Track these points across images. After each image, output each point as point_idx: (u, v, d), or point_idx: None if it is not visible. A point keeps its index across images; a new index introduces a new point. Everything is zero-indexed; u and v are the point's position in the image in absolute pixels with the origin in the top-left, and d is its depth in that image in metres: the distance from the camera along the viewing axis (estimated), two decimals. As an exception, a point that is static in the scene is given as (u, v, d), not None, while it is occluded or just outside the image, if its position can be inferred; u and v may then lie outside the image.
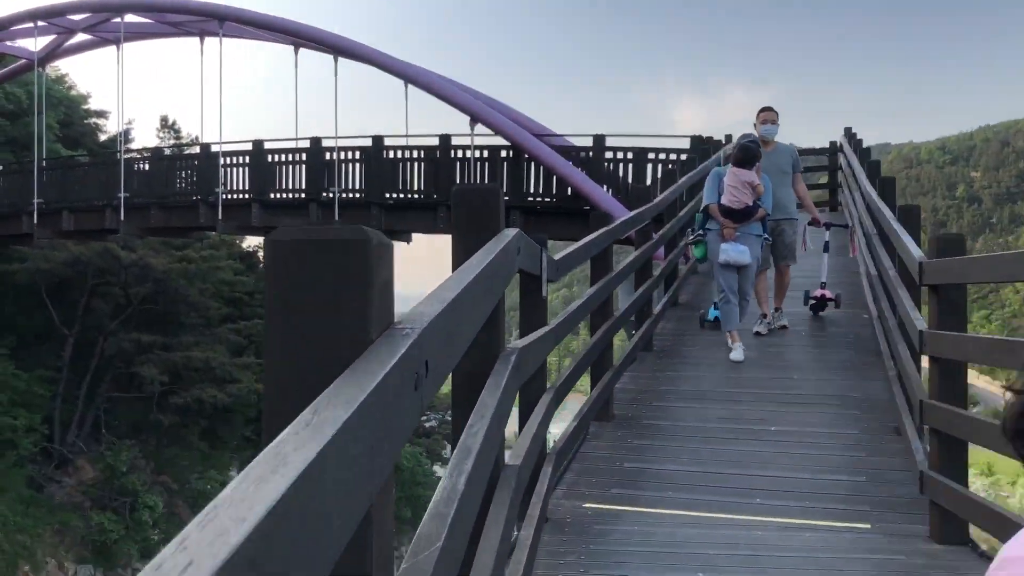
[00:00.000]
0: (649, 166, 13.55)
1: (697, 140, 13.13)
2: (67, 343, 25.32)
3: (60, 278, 24.72)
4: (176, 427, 26.65)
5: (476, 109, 13.46)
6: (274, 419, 1.09)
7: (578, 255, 4.40)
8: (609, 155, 13.51)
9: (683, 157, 13.11)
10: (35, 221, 17.56)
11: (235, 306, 32.49)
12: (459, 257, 2.30)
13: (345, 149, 14.52)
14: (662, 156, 13.39)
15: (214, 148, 16.10)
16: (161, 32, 18.06)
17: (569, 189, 13.19)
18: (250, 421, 33.52)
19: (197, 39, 17.35)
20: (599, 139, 13.55)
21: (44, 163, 20.28)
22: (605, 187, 13.38)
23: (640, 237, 7.14)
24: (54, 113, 28.62)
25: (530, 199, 13.59)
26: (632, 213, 6.58)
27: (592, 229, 5.57)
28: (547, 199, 13.54)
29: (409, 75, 14.00)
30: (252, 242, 33.72)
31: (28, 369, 24.51)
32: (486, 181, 13.51)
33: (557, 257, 3.83)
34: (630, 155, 13.65)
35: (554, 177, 13.28)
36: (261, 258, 36.65)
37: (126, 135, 30.86)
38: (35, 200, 17.51)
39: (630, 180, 13.64)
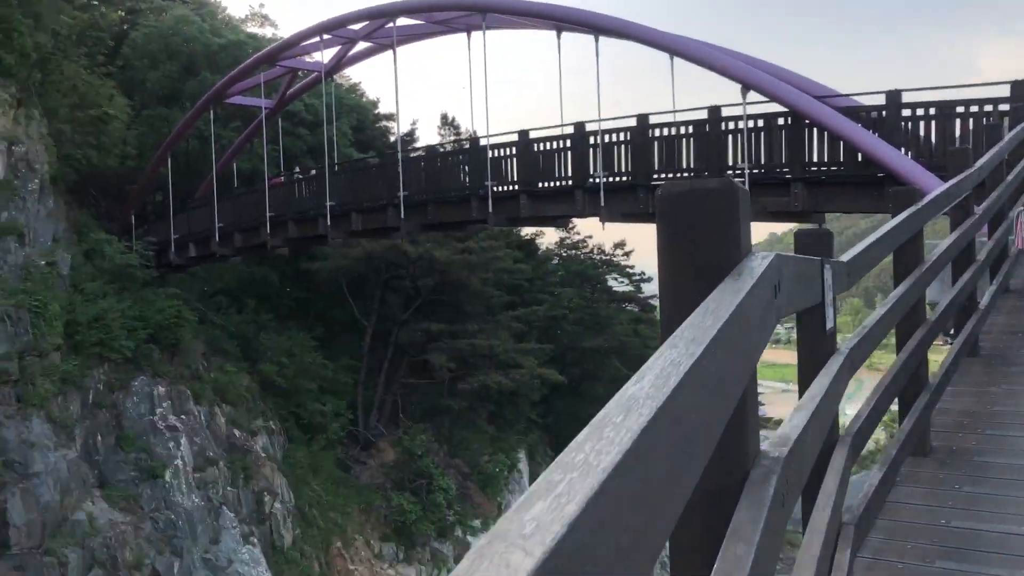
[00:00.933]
0: (957, 122, 11.48)
1: (1021, 86, 10.91)
2: (366, 334, 27.16)
3: (357, 274, 26.53)
4: (465, 411, 27.68)
5: (747, 75, 12.17)
6: (671, 326, 1.34)
7: (876, 250, 3.36)
8: (906, 112, 11.59)
9: (1003, 108, 10.98)
10: (328, 223, 18.73)
11: (515, 293, 33.21)
12: (668, 300, 1.63)
13: (609, 132, 13.87)
14: (973, 109, 11.29)
15: (482, 142, 16.16)
16: (430, 32, 18.51)
17: (859, 155, 11.54)
18: (534, 404, 34.25)
19: (464, 35, 17.55)
20: (893, 95, 11.69)
21: (336, 167, 21.68)
22: (903, 149, 11.58)
23: (958, 213, 5.77)
24: (347, 120, 30.80)
25: (812, 169, 12.09)
26: (946, 186, 5.23)
27: (891, 205, 4.39)
28: (832, 167, 11.96)
29: (674, 47, 12.99)
30: (528, 231, 34.28)
31: (334, 359, 26.61)
32: (761, 152, 12.23)
33: (848, 256, 2.82)
34: (932, 111, 11.65)
35: (840, 142, 11.69)
36: (539, 245, 37.19)
37: (410, 135, 32.56)
38: (327, 203, 18.68)
39: (933, 140, 11.70)
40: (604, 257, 41.03)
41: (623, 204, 13.69)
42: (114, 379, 18.30)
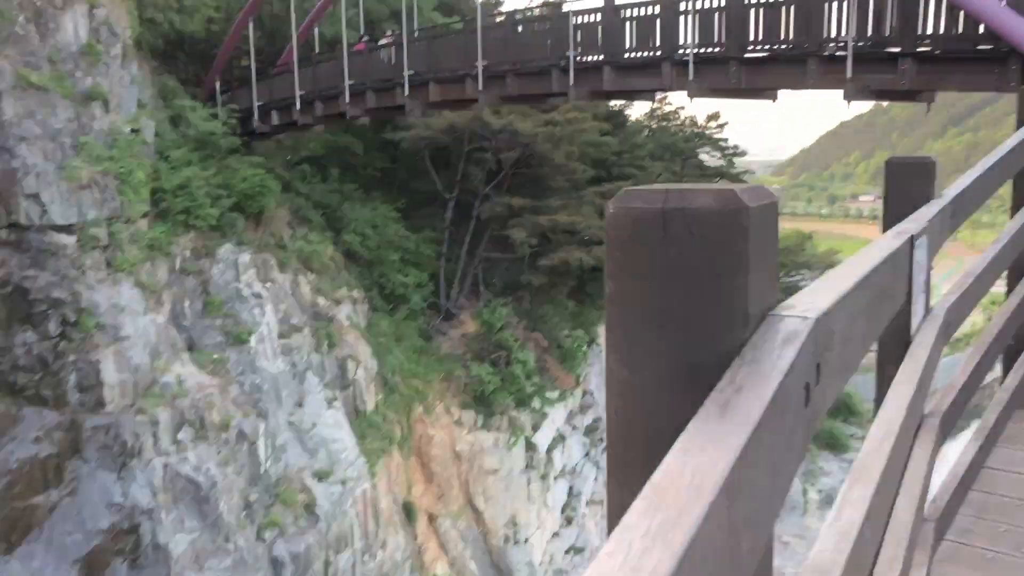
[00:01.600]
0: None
1: None
2: (448, 207, 27.02)
3: (440, 145, 26.17)
4: (545, 287, 27.60)
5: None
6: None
7: (993, 178, 2.77)
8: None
9: None
10: (406, 92, 18.24)
11: (601, 167, 32.41)
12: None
13: (701, -2, 12.81)
14: None
15: (565, 8, 15.21)
16: None
17: (980, 26, 10.35)
18: (618, 281, 33.93)
19: None
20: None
21: (415, 34, 21.00)
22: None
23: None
24: (432, -18, 29.75)
25: (926, 43, 10.93)
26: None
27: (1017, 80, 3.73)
28: (949, 41, 10.78)
29: None
30: (617, 102, 33.05)
31: (416, 231, 26.68)
32: (868, 22, 11.07)
33: (953, 192, 2.30)
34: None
35: (960, 12, 10.48)
36: (627, 117, 35.95)
37: (495, 1, 31.28)
38: (406, 72, 18.14)
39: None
40: (696, 130, 39.59)
41: (713, 78, 12.78)
42: (200, 246, 18.68)
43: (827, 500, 44.71)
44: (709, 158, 39.86)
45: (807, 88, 11.78)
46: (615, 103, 33.25)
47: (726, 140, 40.06)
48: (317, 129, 24.78)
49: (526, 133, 24.67)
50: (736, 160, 43.59)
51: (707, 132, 39.30)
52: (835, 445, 49.55)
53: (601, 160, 32.24)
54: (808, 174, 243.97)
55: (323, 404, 19.99)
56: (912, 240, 1.82)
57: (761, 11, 12.19)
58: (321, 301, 21.88)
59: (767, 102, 13.48)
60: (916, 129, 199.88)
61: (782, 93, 13.28)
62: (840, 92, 11.43)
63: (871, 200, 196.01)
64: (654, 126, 38.19)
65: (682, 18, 13.04)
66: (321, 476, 18.98)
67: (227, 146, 21.01)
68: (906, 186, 2.13)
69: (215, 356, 17.73)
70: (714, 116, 39.03)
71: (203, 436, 16.30)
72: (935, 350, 2.02)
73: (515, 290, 28.03)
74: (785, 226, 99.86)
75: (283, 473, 18.26)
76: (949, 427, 2.49)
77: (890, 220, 2.22)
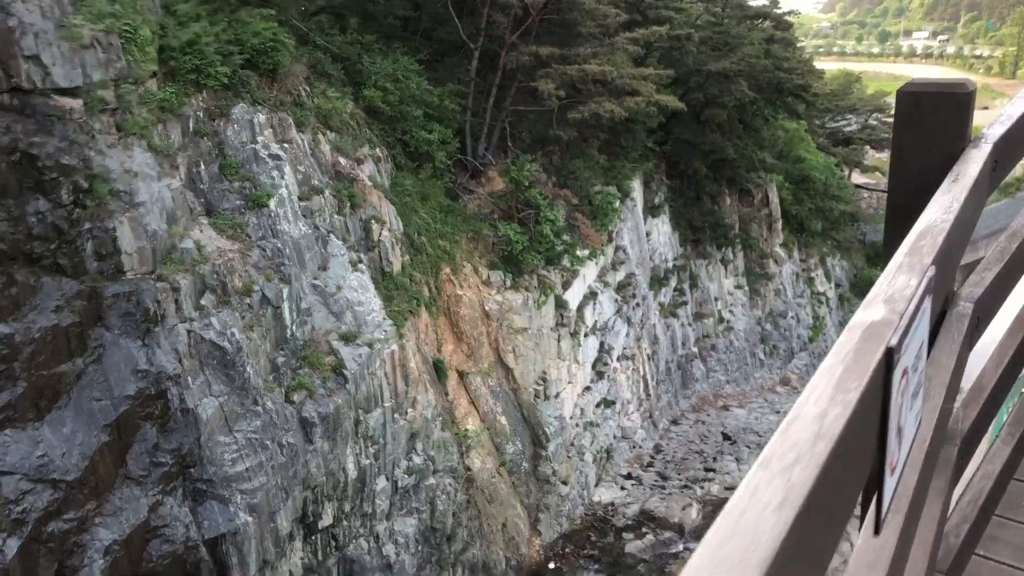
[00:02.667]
0: None
1: None
2: (473, 57, 25.81)
3: (461, -10, 24.73)
4: (576, 141, 26.70)
5: None
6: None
7: None
8: None
9: None
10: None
11: (636, 11, 30.67)
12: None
13: None
14: None
15: None
16: None
17: None
18: (651, 132, 32.79)
19: None
20: None
21: None
22: None
23: None
24: None
25: None
26: None
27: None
28: None
29: None
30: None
31: (440, 83, 25.61)
32: None
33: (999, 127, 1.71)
34: None
35: None
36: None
37: None
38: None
39: None
40: (738, -33, 37.21)
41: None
42: (213, 107, 18.04)
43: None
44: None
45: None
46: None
47: (770, -23, 37.62)
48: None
49: (554, -25, 23.12)
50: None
51: (750, -31, 36.85)
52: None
53: (636, 3, 30.47)
54: (859, 10, 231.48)
55: (347, 267, 19.80)
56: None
57: None
58: (342, 161, 21.30)
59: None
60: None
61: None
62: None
63: (925, 37, 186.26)
64: (693, -37, 35.84)
65: None
66: (348, 338, 19.02)
67: (237, -4, 19.94)
68: (926, 129, 1.58)
69: (234, 220, 17.44)
70: (758, -49, 36.47)
71: (226, 301, 16.24)
72: (962, 355, 1.51)
73: (544, 145, 27.16)
74: (832, 67, 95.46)
75: (309, 336, 18.31)
76: (971, 450, 1.99)
77: (899, 183, 1.83)
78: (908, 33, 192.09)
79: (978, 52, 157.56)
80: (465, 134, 25.80)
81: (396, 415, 20.16)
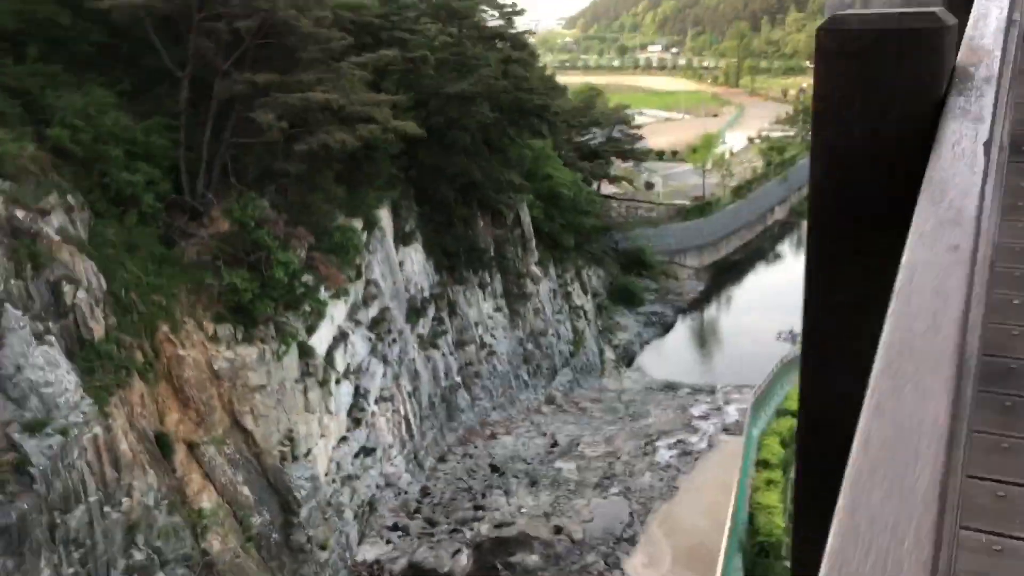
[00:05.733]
0: None
1: None
2: (181, 86, 23.14)
3: (162, 14, 22.04)
4: (307, 174, 24.67)
5: None
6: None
7: None
8: None
9: None
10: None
11: (367, 34, 29.16)
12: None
13: None
14: None
15: None
16: None
17: None
18: (395, 158, 31.32)
19: None
20: None
21: None
22: None
23: None
24: None
25: None
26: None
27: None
28: None
29: None
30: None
31: (146, 117, 22.74)
32: None
33: None
34: None
35: None
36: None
37: None
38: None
39: None
40: (472, -13, 36.75)
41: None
42: None
43: (624, 357, 45.77)
44: (488, 18, 37.29)
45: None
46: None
47: (504, -3, 37.52)
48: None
49: (264, -3, 21.05)
50: (522, 16, 41.21)
51: (483, -11, 36.51)
52: (631, 300, 50.69)
53: (365, 25, 28.92)
54: (599, 25, 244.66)
55: (30, 341, 16.69)
56: None
57: None
58: (20, 214, 18.07)
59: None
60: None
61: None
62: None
63: (659, 50, 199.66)
64: (425, -17, 34.92)
65: None
66: (34, 428, 15.99)
67: None
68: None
69: None
70: (489, -29, 36.21)
71: None
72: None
73: (275, 179, 24.91)
74: (577, 80, 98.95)
75: (-22, 434, 15.12)
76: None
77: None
78: (644, 47, 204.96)
79: (705, 63, 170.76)
80: (180, 172, 23.02)
81: (106, 508, 17.25)
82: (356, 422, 26.32)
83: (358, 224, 27.63)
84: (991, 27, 1.91)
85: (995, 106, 1.51)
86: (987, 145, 1.40)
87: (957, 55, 1.71)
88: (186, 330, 21.03)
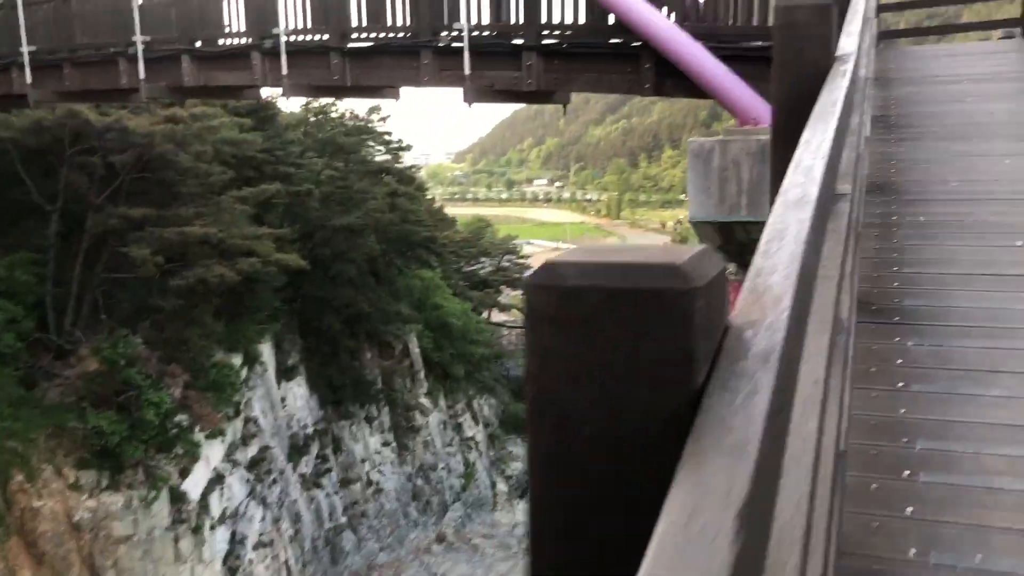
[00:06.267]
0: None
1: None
2: (51, 220, 22.32)
3: (30, 148, 21.42)
4: (184, 309, 23.83)
5: None
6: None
7: None
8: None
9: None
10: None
11: (251, 167, 29.06)
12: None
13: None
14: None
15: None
16: None
17: (609, 16, 8.88)
18: (278, 290, 30.75)
19: None
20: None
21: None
22: (664, 9, 9.04)
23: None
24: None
25: (553, 32, 9.30)
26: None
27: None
28: (577, 35, 9.24)
29: None
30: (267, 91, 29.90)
31: (11, 251, 21.73)
32: (487, 8, 9.24)
33: None
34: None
35: (584, -1, 8.96)
36: (280, 109, 32.83)
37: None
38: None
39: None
40: (359, 123, 37.44)
41: (312, 72, 10.38)
42: None
43: (517, 488, 44.95)
44: (372, 154, 37.90)
45: (424, 86, 9.76)
46: (269, 95, 30.08)
47: (390, 133, 38.31)
48: None
49: (140, 132, 20.75)
50: (409, 151, 42.07)
51: (370, 126, 37.22)
52: (523, 428, 50.33)
53: (248, 159, 28.84)
54: (487, 160, 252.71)
55: None
56: None
57: (366, -9, 9.93)
58: None
59: (390, 101, 11.35)
60: (581, 117, 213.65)
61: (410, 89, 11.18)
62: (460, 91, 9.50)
63: (545, 184, 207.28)
64: (311, 119, 35.34)
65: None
66: None
67: None
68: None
69: None
70: (375, 108, 37.07)
71: None
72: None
73: (148, 315, 23.95)
74: (467, 212, 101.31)
75: None
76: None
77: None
78: (530, 181, 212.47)
79: (588, 197, 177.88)
80: (47, 308, 21.90)
81: None
82: (232, 571, 24.63)
83: (238, 359, 26.71)
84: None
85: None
86: None
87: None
88: (43, 478, 19.49)
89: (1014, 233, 4.21)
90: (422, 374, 39.14)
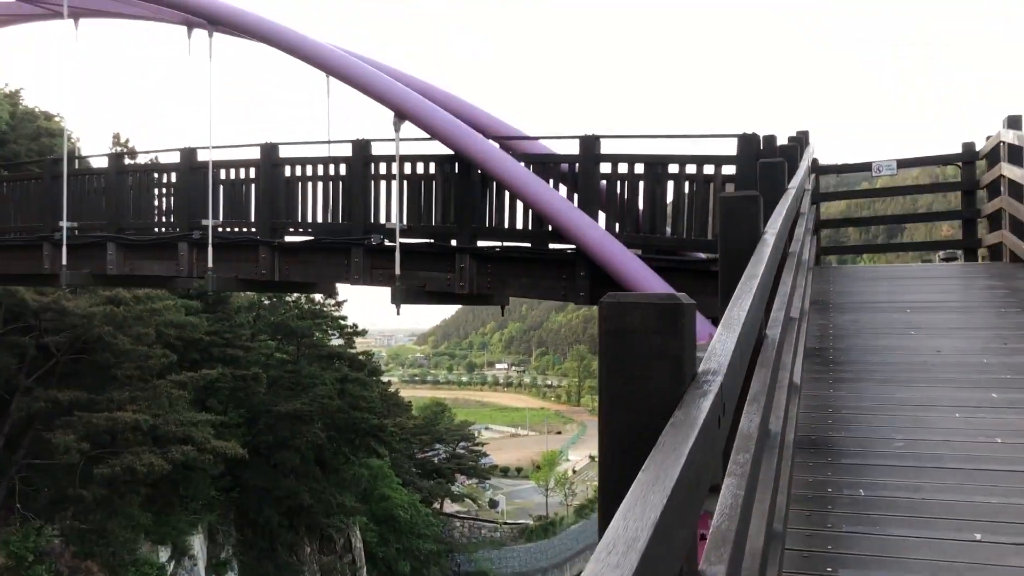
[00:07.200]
0: (671, 185, 8.99)
1: (748, 141, 8.49)
2: (-28, 403, 21.21)
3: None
4: (107, 499, 22.36)
5: (402, 101, 8.93)
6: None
7: None
8: (606, 168, 8.90)
9: (727, 171, 8.58)
10: None
11: (196, 350, 28.34)
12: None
13: (229, 165, 10.11)
14: (691, 169, 8.83)
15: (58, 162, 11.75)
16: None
17: (545, 223, 8.72)
18: (215, 479, 29.24)
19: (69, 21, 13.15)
20: (589, 143, 8.91)
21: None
22: (600, 217, 8.95)
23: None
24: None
25: (489, 238, 9.10)
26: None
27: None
28: (513, 239, 9.07)
29: (310, 55, 9.59)
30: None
31: (-76, 434, 20.46)
32: (420, 210, 9.08)
33: None
34: (639, 167, 9.07)
35: (520, 204, 8.84)
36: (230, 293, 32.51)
37: None
38: None
39: (641, 205, 9.17)
40: (314, 307, 37.19)
41: (241, 266, 10.05)
42: None
43: None
44: (325, 338, 37.45)
45: (355, 284, 9.43)
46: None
47: (345, 318, 38.03)
48: None
49: (78, 313, 20.16)
50: (363, 336, 41.66)
51: (324, 310, 36.97)
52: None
53: (194, 341, 28.16)
54: (449, 342, 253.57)
55: None
56: None
57: (300, 185, 9.77)
58: None
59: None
60: (543, 303, 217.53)
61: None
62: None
63: (506, 368, 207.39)
64: (265, 302, 35.02)
65: (209, 185, 10.23)
66: None
67: None
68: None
69: None
70: (332, 292, 36.93)
71: None
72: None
73: (70, 504, 22.40)
74: (425, 395, 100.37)
75: None
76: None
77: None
78: (492, 364, 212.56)
79: (549, 382, 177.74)
80: (-45, 497, 20.38)
81: None
82: None
83: (166, 552, 24.91)
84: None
85: None
86: None
87: None
88: None
89: (972, 522, 3.48)
90: (364, 570, 36.91)
